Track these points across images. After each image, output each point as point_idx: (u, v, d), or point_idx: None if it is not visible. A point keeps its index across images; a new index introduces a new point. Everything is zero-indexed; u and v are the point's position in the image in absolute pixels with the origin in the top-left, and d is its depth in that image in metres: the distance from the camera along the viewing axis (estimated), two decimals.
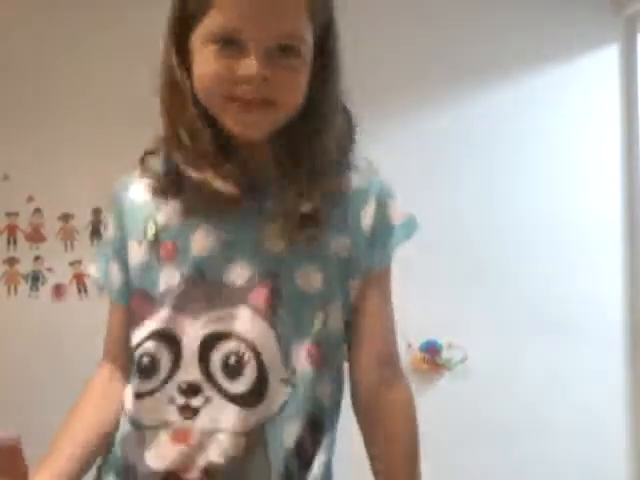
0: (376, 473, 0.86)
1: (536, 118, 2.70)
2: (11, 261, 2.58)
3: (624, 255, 2.71)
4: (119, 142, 2.59)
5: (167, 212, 0.86)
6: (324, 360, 0.85)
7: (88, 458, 0.87)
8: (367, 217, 0.88)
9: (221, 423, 0.81)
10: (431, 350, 2.60)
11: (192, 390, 0.82)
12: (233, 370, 0.81)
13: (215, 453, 0.80)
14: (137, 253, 0.87)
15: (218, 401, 0.81)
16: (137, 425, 0.84)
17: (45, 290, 2.58)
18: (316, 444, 0.84)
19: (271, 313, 0.82)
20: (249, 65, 0.78)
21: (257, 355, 0.81)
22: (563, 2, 2.73)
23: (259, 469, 0.81)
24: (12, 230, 2.58)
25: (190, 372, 0.82)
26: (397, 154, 2.63)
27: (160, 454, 0.82)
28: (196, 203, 0.84)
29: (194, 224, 0.84)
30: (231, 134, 0.84)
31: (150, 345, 0.84)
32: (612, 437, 2.67)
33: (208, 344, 0.82)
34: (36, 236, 2.59)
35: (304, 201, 0.82)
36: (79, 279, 2.59)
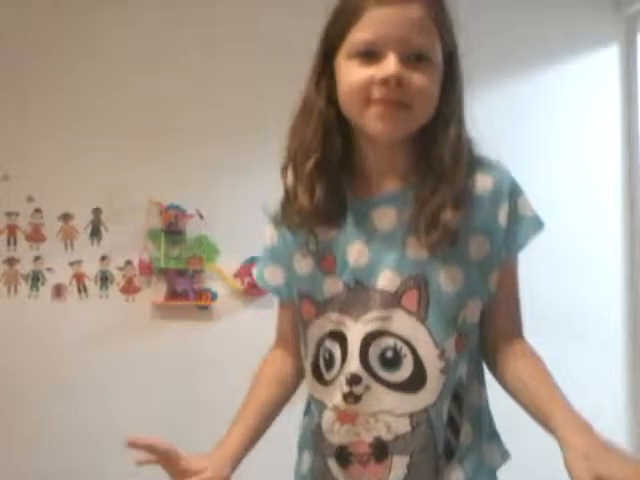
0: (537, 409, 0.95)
1: (536, 118, 2.70)
2: (11, 261, 2.58)
3: (624, 255, 2.71)
4: (119, 142, 2.59)
5: (324, 228, 0.98)
6: (465, 346, 0.98)
7: (260, 425, 1.04)
8: (502, 216, 0.98)
9: (384, 406, 0.95)
10: None
11: (354, 380, 0.95)
12: (390, 362, 0.95)
13: (382, 431, 0.95)
14: (302, 264, 1.01)
15: (377, 388, 0.95)
16: (322, 406, 0.99)
17: (45, 290, 2.58)
18: (461, 415, 0.98)
19: (422, 313, 0.94)
20: (386, 66, 0.89)
21: (413, 350, 0.94)
22: (563, 2, 2.73)
23: (424, 445, 0.95)
24: (12, 230, 2.58)
25: (353, 365, 0.95)
26: None
27: (332, 430, 0.98)
28: (349, 221, 0.97)
29: (348, 239, 0.97)
30: (370, 143, 0.96)
31: (328, 343, 0.98)
32: (612, 437, 2.67)
33: (367, 341, 0.95)
34: (36, 236, 2.59)
35: (441, 211, 0.92)
36: (79, 279, 2.59)
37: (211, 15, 2.61)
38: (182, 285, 2.57)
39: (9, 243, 2.58)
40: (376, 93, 0.90)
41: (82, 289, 2.59)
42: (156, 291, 2.57)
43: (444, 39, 0.98)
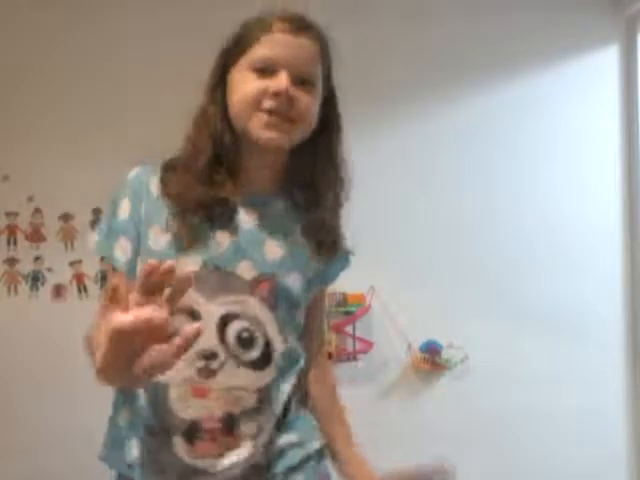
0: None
1: (536, 118, 2.70)
2: (11, 261, 2.58)
3: (624, 255, 2.71)
4: (119, 142, 2.59)
5: (194, 213, 1.05)
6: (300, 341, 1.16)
7: None
8: (338, 254, 1.17)
9: (237, 382, 1.04)
10: (431, 350, 2.60)
11: (211, 355, 1.03)
12: (246, 342, 1.05)
13: (232, 405, 1.04)
14: (158, 239, 1.06)
15: (231, 365, 1.04)
16: (163, 383, 1.03)
17: (45, 290, 2.58)
18: (294, 393, 1.13)
19: (272, 303, 1.07)
20: (280, 81, 1.01)
21: (264, 332, 1.07)
22: (563, 2, 2.73)
23: (267, 418, 1.07)
24: (12, 230, 2.58)
25: (209, 341, 1.03)
26: (397, 155, 2.63)
27: (184, 405, 1.03)
28: (215, 213, 1.05)
29: (213, 227, 1.06)
30: (252, 148, 1.06)
31: (175, 318, 0.96)
32: (612, 437, 2.67)
33: (225, 321, 1.04)
34: (36, 236, 2.59)
35: (306, 229, 1.11)
36: (79, 279, 2.59)
37: (213, 19, 2.61)
38: None
39: (9, 243, 2.58)
40: (267, 104, 1.02)
41: (82, 289, 2.59)
42: None
43: (327, 78, 1.10)
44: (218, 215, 1.06)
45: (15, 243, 2.58)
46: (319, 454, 1.15)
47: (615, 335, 2.69)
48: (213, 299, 1.04)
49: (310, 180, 1.11)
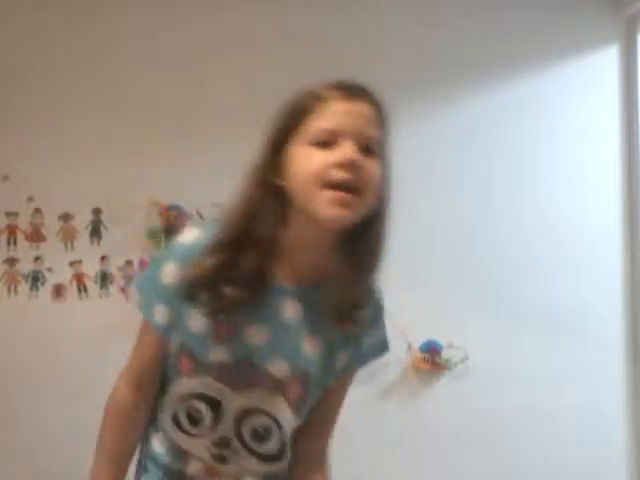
0: None
1: (536, 118, 2.71)
2: (11, 261, 2.58)
3: (624, 255, 2.71)
4: (119, 142, 2.59)
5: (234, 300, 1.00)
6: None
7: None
8: (367, 342, 1.10)
9: (248, 468, 1.07)
10: (431, 350, 2.60)
11: (224, 443, 1.06)
12: (261, 437, 1.06)
13: None
14: (197, 322, 1.02)
15: (244, 454, 1.06)
16: (187, 453, 1.08)
17: (45, 290, 2.58)
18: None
19: (298, 404, 1.06)
20: (345, 150, 0.95)
21: (281, 431, 1.06)
22: (563, 2, 2.73)
23: None
24: (12, 230, 2.58)
25: (225, 430, 1.05)
26: (397, 155, 2.63)
27: (198, 476, 1.08)
28: (256, 305, 1.00)
29: (250, 317, 1.01)
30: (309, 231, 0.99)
31: (198, 404, 1.05)
32: (612, 437, 2.67)
33: (244, 413, 1.04)
34: (36, 236, 2.59)
35: (344, 334, 1.05)
36: (79, 279, 2.59)
37: (214, 20, 2.61)
38: None
39: (9, 243, 2.58)
40: (334, 175, 0.94)
41: (82, 289, 2.58)
42: None
43: (384, 137, 1.06)
44: (258, 305, 1.00)
45: (15, 243, 2.58)
46: None
47: (615, 335, 2.69)
48: (238, 391, 1.03)
49: (356, 261, 1.05)
